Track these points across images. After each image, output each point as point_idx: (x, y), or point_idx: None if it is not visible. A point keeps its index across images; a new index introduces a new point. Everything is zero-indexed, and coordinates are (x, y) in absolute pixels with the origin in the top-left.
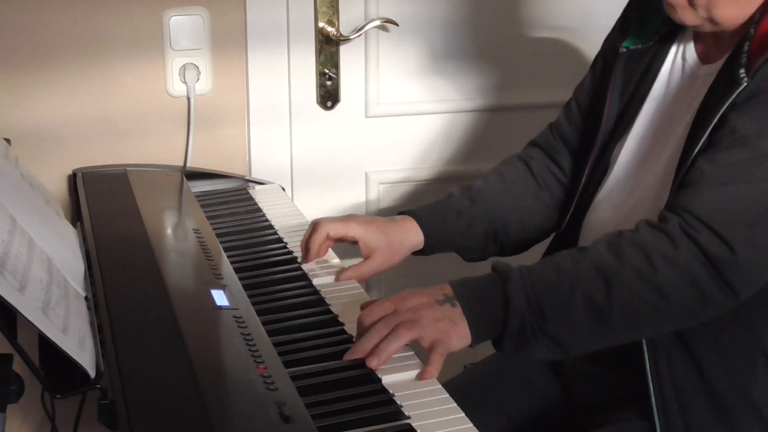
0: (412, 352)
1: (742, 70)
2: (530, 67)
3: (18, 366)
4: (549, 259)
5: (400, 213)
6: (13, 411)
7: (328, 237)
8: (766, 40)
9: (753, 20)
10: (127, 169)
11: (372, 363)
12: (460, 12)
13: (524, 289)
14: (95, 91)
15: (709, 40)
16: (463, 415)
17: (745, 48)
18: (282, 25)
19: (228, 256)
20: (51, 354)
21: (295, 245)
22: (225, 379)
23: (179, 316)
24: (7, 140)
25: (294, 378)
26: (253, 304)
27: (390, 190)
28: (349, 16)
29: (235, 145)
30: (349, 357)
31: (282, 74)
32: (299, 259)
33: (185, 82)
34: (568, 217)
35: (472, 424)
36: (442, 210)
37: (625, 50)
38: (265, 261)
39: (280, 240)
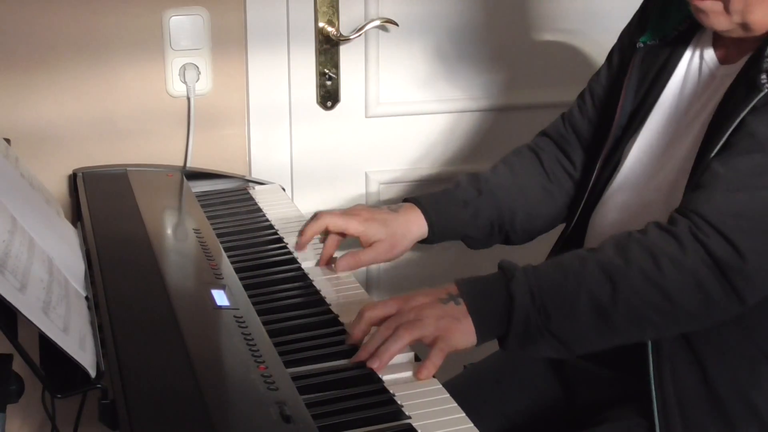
0: (412, 353)
1: (763, 76)
2: (531, 67)
3: (18, 366)
4: (556, 258)
5: (406, 200)
6: (13, 411)
7: (327, 229)
8: None
9: None
10: (128, 169)
11: (374, 365)
12: (461, 12)
13: (529, 286)
14: (95, 91)
15: (729, 41)
16: (464, 414)
17: (767, 53)
18: (282, 25)
19: (228, 256)
20: (51, 354)
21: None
22: (225, 379)
23: (179, 316)
24: (7, 140)
25: (294, 378)
26: (254, 304)
27: (390, 190)
28: (349, 16)
29: (235, 145)
30: (354, 360)
31: (282, 74)
32: (296, 255)
33: (185, 82)
34: (578, 213)
35: (472, 424)
36: (448, 199)
37: (642, 45)
38: (265, 261)
39: (280, 240)
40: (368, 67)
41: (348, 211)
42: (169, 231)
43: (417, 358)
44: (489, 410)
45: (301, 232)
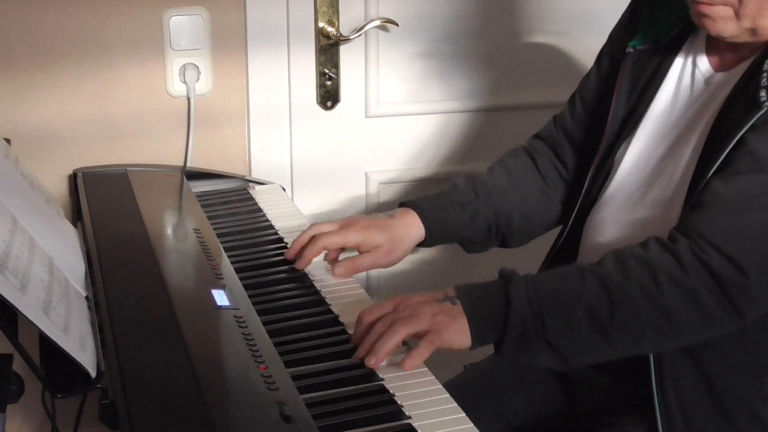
0: (406, 347)
1: (763, 93)
2: (532, 67)
3: (18, 366)
4: (556, 269)
5: (402, 204)
6: (13, 411)
7: (325, 249)
8: None
9: None
10: (128, 169)
11: (370, 362)
12: (461, 12)
13: (527, 292)
14: (95, 91)
15: (724, 48)
16: (464, 415)
17: (765, 67)
18: (282, 25)
19: (228, 256)
20: (52, 354)
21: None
22: (225, 379)
23: (180, 316)
24: (7, 140)
25: (294, 378)
26: (254, 304)
27: (390, 190)
28: (349, 16)
29: (235, 145)
30: (354, 359)
31: (282, 74)
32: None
33: (185, 82)
34: (572, 219)
35: (472, 424)
36: (445, 202)
37: (632, 50)
38: (265, 261)
39: (280, 240)
40: (368, 67)
41: (344, 223)
42: (169, 231)
43: None
44: (488, 411)
45: (297, 252)
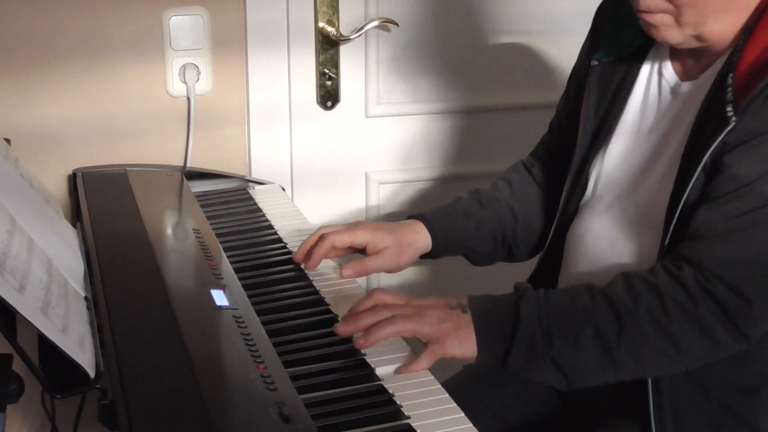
0: (409, 349)
1: (729, 108)
2: (534, 68)
3: (18, 366)
4: (569, 287)
5: (409, 217)
6: (13, 411)
7: (334, 248)
8: (750, 72)
9: (736, 43)
10: (127, 169)
11: (359, 342)
12: (461, 12)
13: (538, 309)
14: (95, 91)
15: (687, 55)
16: (463, 415)
17: (729, 80)
18: (282, 25)
19: (228, 256)
20: (51, 354)
21: (294, 245)
22: (225, 379)
23: (179, 316)
24: (7, 140)
25: (294, 378)
26: (253, 304)
27: (390, 190)
28: (349, 16)
29: (235, 145)
30: (340, 328)
31: (282, 74)
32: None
33: (185, 82)
34: (551, 234)
35: (471, 424)
36: (450, 212)
37: (597, 63)
38: (265, 261)
39: (280, 240)
40: (368, 67)
41: (352, 225)
42: (169, 231)
43: None
44: (485, 412)
45: (306, 253)
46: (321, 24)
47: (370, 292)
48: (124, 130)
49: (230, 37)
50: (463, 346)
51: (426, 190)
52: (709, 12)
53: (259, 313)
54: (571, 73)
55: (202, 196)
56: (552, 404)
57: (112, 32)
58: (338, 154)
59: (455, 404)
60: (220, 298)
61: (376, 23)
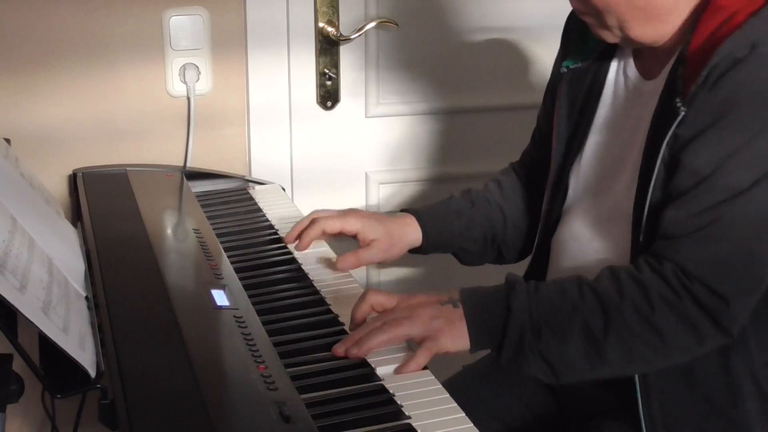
0: (407, 348)
1: (678, 99)
2: (534, 68)
3: (18, 366)
4: (559, 280)
5: (402, 211)
6: (13, 411)
7: (324, 233)
8: (695, 63)
9: (684, 37)
10: (127, 169)
11: (351, 352)
12: (460, 12)
13: (528, 303)
14: (95, 91)
15: (645, 54)
16: (463, 414)
17: (679, 72)
18: (282, 25)
19: (228, 256)
20: (51, 354)
21: (294, 245)
22: (225, 379)
23: (179, 316)
24: (7, 140)
25: (294, 378)
26: (254, 304)
27: (390, 190)
28: (349, 16)
29: (235, 145)
30: (339, 349)
31: (282, 74)
32: (296, 255)
33: (185, 82)
34: (536, 240)
35: (471, 424)
36: (442, 210)
37: (566, 70)
38: (265, 261)
39: (280, 240)
40: (368, 67)
41: (344, 212)
42: (169, 231)
43: None
44: (483, 411)
45: (298, 235)
46: (321, 24)
47: (363, 293)
48: (124, 130)
49: (230, 37)
50: (456, 340)
51: (426, 190)
52: (628, 19)
53: (259, 313)
54: (547, 85)
55: (202, 196)
56: (548, 405)
57: (112, 32)
58: (338, 154)
59: (456, 404)
60: (220, 298)
61: (376, 23)
